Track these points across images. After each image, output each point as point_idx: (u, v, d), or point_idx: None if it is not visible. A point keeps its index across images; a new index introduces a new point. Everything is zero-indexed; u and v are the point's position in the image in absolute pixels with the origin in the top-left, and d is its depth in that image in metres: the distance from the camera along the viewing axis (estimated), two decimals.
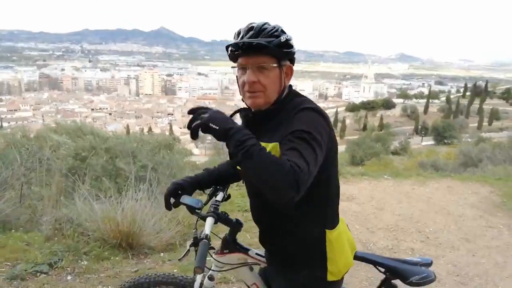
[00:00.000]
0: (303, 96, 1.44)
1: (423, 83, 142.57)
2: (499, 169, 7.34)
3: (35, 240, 3.56)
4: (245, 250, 1.68)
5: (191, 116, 1.21)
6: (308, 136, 1.20)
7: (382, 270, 1.62)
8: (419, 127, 73.45)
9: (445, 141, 57.18)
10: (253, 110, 1.42)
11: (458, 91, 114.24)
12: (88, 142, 6.22)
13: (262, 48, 1.32)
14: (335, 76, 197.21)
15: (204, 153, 34.66)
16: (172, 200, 1.60)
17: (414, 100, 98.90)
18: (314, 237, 1.41)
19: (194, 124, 1.18)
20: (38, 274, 3.04)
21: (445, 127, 61.64)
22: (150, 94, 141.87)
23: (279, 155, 1.19)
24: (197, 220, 1.62)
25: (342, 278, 1.49)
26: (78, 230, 3.63)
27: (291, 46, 1.39)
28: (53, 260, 3.19)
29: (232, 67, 1.44)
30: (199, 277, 1.71)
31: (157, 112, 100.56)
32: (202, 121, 1.17)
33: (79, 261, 3.25)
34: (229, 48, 1.38)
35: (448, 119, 71.80)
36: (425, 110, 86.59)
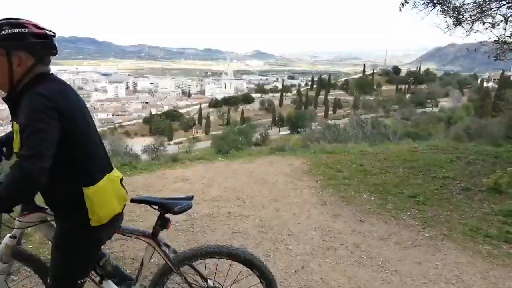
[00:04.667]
0: (47, 82, 1.67)
1: (277, 78, 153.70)
2: (315, 145, 8.85)
3: None
4: (43, 209, 1.93)
5: None
6: (30, 126, 1.50)
7: (156, 207, 2.01)
8: (276, 119, 79.93)
9: (299, 129, 63.39)
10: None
11: (306, 85, 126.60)
12: None
13: None
14: (197, 73, 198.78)
15: None
16: None
17: (270, 94, 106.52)
18: (72, 193, 1.71)
19: None
20: None
21: (298, 118, 68.28)
22: None
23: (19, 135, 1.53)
24: None
25: (111, 221, 1.82)
26: None
27: (21, 39, 1.58)
28: None
29: None
30: (4, 239, 1.96)
31: None
32: None
33: None
34: None
35: (300, 110, 79.74)
36: (280, 103, 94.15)
